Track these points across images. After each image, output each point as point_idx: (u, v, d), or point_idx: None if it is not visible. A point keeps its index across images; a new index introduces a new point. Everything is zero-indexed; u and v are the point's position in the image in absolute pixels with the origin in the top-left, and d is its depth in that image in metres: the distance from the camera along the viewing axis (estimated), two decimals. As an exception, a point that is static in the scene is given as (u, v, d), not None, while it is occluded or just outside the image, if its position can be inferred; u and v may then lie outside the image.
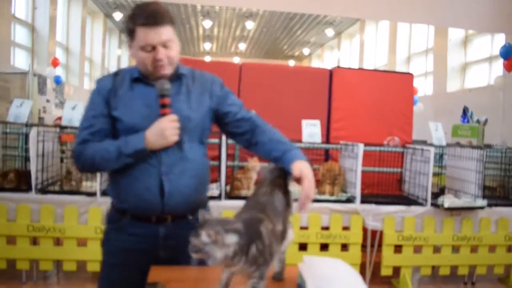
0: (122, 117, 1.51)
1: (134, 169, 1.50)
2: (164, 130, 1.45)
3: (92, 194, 3.23)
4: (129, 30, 1.47)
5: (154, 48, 1.45)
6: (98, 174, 3.16)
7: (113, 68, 18.62)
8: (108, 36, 17.56)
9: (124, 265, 1.55)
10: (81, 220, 3.20)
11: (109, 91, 1.54)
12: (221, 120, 1.63)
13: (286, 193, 1.42)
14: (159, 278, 1.35)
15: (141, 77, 1.54)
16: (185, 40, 18.80)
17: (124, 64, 20.12)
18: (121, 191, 1.54)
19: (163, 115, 1.47)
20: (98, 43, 16.04)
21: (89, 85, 15.37)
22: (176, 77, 1.56)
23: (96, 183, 3.22)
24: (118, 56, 19.06)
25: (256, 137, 1.59)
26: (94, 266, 3.21)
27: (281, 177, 1.45)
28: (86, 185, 3.41)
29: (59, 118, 4.82)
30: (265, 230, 1.20)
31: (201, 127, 1.57)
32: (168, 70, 1.51)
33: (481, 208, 3.63)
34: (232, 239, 1.11)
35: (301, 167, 1.42)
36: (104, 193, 3.23)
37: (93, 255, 3.19)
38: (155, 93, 1.49)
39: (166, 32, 1.46)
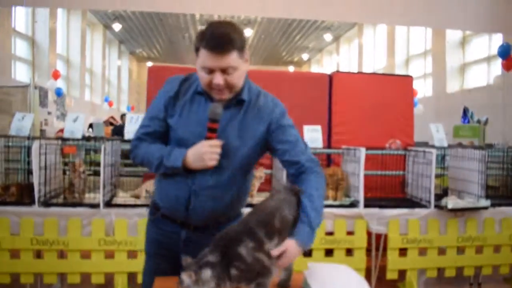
0: (174, 128, 1.56)
1: (172, 178, 1.57)
2: (204, 154, 1.46)
3: (95, 206, 3.22)
4: (195, 47, 1.47)
5: (212, 71, 1.44)
6: (101, 186, 3.17)
7: (113, 79, 18.71)
8: (108, 47, 17.66)
9: (156, 254, 1.70)
10: (85, 232, 3.20)
11: (170, 97, 1.57)
12: (270, 151, 1.63)
13: (296, 210, 1.44)
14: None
15: (203, 92, 1.54)
16: (184, 49, 18.87)
17: (124, 74, 20.18)
18: (159, 189, 1.66)
19: (208, 138, 1.48)
20: (98, 54, 16.12)
21: (89, 97, 15.44)
22: (236, 102, 1.55)
23: (99, 194, 3.22)
24: (118, 67, 19.13)
25: (298, 184, 1.55)
26: (98, 278, 3.20)
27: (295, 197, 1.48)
28: (89, 196, 3.41)
29: (61, 130, 4.84)
30: (244, 250, 1.24)
31: (246, 158, 1.56)
32: (225, 95, 1.50)
33: (485, 208, 3.62)
34: (206, 273, 1.19)
35: (290, 245, 1.35)
36: (107, 204, 3.24)
37: (97, 267, 3.18)
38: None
39: (227, 59, 1.42)
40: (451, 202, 3.58)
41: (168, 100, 1.57)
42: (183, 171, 1.51)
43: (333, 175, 3.68)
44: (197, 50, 1.46)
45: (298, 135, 1.64)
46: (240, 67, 1.47)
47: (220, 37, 1.41)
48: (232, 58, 1.43)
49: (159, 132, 1.60)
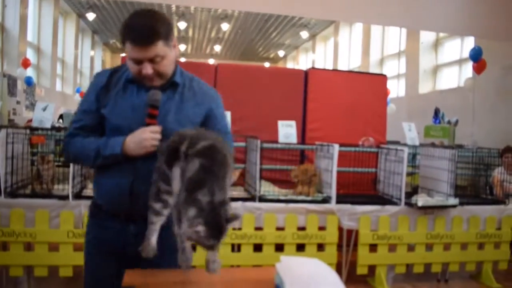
0: (108, 116, 1.53)
1: (110, 169, 1.54)
2: (144, 140, 1.46)
3: (64, 198, 3.15)
4: (122, 39, 1.47)
5: (140, 62, 1.46)
6: (70, 177, 3.10)
7: (86, 70, 18.32)
8: (81, 37, 17.25)
9: (99, 254, 1.61)
10: (53, 224, 3.12)
11: (102, 88, 1.56)
12: None
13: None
14: (135, 282, 1.32)
15: (135, 80, 1.54)
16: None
17: (98, 65, 19.80)
18: (99, 186, 1.61)
19: (148, 124, 1.48)
20: (71, 43, 15.72)
21: (61, 87, 15.06)
22: (169, 85, 1.56)
23: (68, 186, 3.15)
24: (91, 57, 18.73)
25: None
26: (67, 271, 3.13)
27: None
28: (58, 188, 3.33)
29: (30, 121, 4.71)
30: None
31: None
32: (156, 82, 1.51)
33: (453, 206, 3.71)
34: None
35: None
36: (76, 196, 3.17)
37: (65, 260, 3.11)
38: (145, 97, 1.50)
39: (153, 50, 1.43)
40: (421, 200, 3.65)
41: (100, 91, 1.56)
42: (123, 158, 1.49)
43: (305, 171, 3.70)
44: (124, 43, 1.46)
45: (229, 129, 1.68)
46: (168, 55, 1.49)
47: (143, 30, 1.42)
48: (158, 48, 1.44)
49: (92, 125, 1.57)
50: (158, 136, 1.48)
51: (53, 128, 3.83)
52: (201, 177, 1.19)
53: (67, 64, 15.79)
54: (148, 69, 1.45)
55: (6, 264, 3.11)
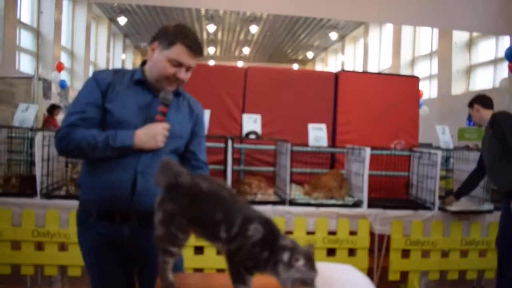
0: (113, 110, 1.58)
1: (112, 161, 1.55)
2: (157, 134, 1.56)
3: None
4: (170, 39, 1.57)
5: (180, 66, 1.59)
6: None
7: (117, 73, 18.69)
8: (112, 41, 17.63)
9: (99, 262, 1.64)
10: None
11: (108, 84, 1.61)
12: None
13: None
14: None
15: (143, 80, 1.64)
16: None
17: (129, 68, 20.17)
18: (94, 180, 1.58)
19: (159, 121, 1.58)
20: (103, 47, 16.09)
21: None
22: (176, 94, 1.69)
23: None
24: (122, 60, 19.12)
25: None
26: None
27: None
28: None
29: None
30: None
31: (182, 143, 1.70)
32: (173, 87, 1.64)
33: (489, 212, 3.60)
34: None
35: None
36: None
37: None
38: (151, 98, 1.63)
39: (196, 61, 1.63)
40: (454, 205, 3.56)
41: (106, 86, 1.61)
42: (132, 151, 1.55)
43: (334, 175, 3.67)
44: (172, 43, 1.57)
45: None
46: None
47: (199, 42, 1.62)
48: (197, 62, 1.64)
49: (95, 119, 1.58)
50: (167, 132, 1.59)
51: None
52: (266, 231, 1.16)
53: (99, 67, 16.16)
54: (183, 74, 1.60)
55: (41, 263, 3.20)
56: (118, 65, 18.71)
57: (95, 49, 15.54)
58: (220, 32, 17.13)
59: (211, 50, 19.82)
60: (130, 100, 1.61)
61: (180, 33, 1.58)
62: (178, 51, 1.56)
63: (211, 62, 19.10)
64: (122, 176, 1.54)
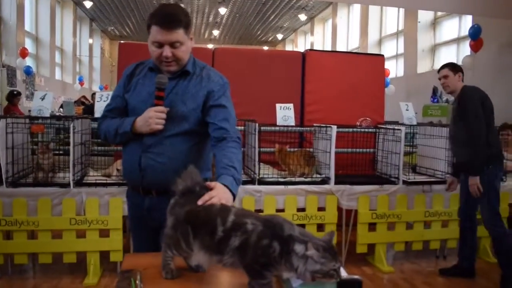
0: (129, 99, 1.76)
1: (127, 145, 1.76)
2: (149, 118, 1.63)
3: (65, 185, 3.19)
4: (147, 25, 1.65)
5: (162, 45, 1.63)
6: (71, 165, 3.13)
7: (85, 58, 18.26)
8: (79, 25, 17.17)
9: (135, 229, 1.89)
10: (55, 212, 3.16)
11: (128, 75, 1.80)
12: (204, 114, 1.71)
13: None
14: (134, 265, 1.36)
15: (154, 68, 1.74)
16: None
17: (96, 53, 19.72)
18: (123, 161, 1.83)
19: (156, 105, 1.65)
20: (69, 32, 15.66)
21: (60, 76, 15.04)
22: (181, 73, 1.72)
23: (69, 173, 3.18)
24: (89, 45, 18.67)
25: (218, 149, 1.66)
26: (70, 258, 3.19)
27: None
28: (59, 176, 3.37)
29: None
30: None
31: (189, 125, 1.69)
32: (173, 67, 1.68)
33: (442, 182, 3.74)
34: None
35: (218, 186, 1.42)
36: (77, 183, 3.20)
37: (68, 246, 3.17)
38: None
39: (175, 35, 1.62)
40: (411, 177, 3.78)
41: (126, 78, 1.79)
42: (133, 136, 1.68)
43: (302, 154, 3.74)
44: (148, 27, 1.64)
45: (233, 111, 1.75)
46: (186, 43, 1.67)
47: (170, 16, 1.62)
48: (179, 34, 1.63)
49: (119, 108, 1.79)
50: (163, 115, 1.64)
51: (53, 117, 3.86)
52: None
53: (66, 53, 15.75)
54: (168, 51, 1.63)
55: (10, 252, 3.17)
56: (85, 50, 18.27)
57: (61, 34, 15.11)
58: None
59: (180, 33, 19.51)
60: (143, 88, 1.73)
61: (152, 15, 1.63)
62: (154, 32, 1.62)
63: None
64: (132, 157, 1.72)
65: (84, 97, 11.55)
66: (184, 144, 1.69)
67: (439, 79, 3.44)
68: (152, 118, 1.62)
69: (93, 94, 10.76)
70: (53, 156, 3.41)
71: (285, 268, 1.10)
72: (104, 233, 3.24)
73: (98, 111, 3.39)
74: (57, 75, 14.54)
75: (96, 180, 3.30)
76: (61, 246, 3.18)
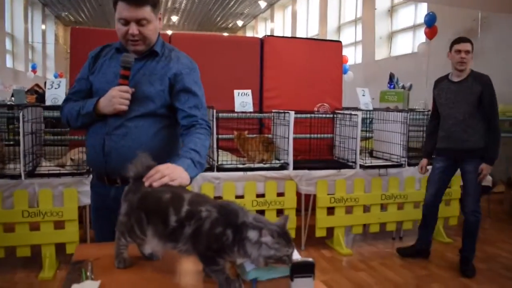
0: (93, 81, 1.70)
1: (89, 128, 1.68)
2: (113, 97, 1.57)
3: (16, 177, 3.06)
4: (113, 1, 1.60)
5: (128, 23, 1.58)
6: (21, 156, 3.01)
7: (38, 45, 17.55)
8: (30, 10, 16.46)
9: (96, 221, 1.79)
10: (6, 205, 3.04)
11: (93, 57, 1.74)
12: (173, 99, 1.66)
13: None
14: (86, 256, 1.33)
15: (121, 48, 1.68)
16: (114, 13, 17.97)
17: (50, 39, 19.00)
18: (86, 146, 1.74)
19: (120, 85, 1.59)
20: (19, 17, 14.98)
21: (12, 63, 14.42)
22: (149, 54, 1.67)
23: (20, 165, 3.06)
24: (42, 31, 17.94)
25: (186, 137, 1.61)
26: (24, 251, 3.08)
27: None
28: (10, 167, 3.23)
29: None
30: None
31: (155, 106, 1.63)
32: (139, 46, 1.63)
33: (399, 166, 3.89)
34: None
35: (170, 166, 1.36)
36: (29, 175, 3.09)
37: (22, 240, 3.06)
38: None
39: (142, 11, 1.56)
40: (367, 160, 3.88)
41: (91, 60, 1.73)
42: (96, 117, 1.61)
43: (262, 140, 3.75)
44: (115, 4, 1.59)
45: (204, 98, 1.73)
46: (153, 22, 1.62)
47: None
48: (146, 11, 1.57)
49: (84, 91, 1.72)
50: (127, 95, 1.58)
51: (3, 105, 3.69)
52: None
53: (17, 39, 15.09)
54: (134, 29, 1.57)
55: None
56: (38, 37, 17.55)
57: (11, 20, 14.44)
58: None
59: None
60: (109, 69, 1.67)
61: None
62: (120, 9, 1.57)
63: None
64: (95, 140, 1.64)
65: (37, 85, 11.06)
66: (150, 127, 1.63)
67: (458, 51, 3.20)
68: (116, 97, 1.56)
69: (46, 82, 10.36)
70: (3, 147, 3.27)
71: (238, 255, 1.09)
72: (59, 225, 3.15)
73: (49, 99, 3.27)
74: (8, 63, 13.93)
75: (49, 170, 3.19)
76: (14, 239, 3.07)
